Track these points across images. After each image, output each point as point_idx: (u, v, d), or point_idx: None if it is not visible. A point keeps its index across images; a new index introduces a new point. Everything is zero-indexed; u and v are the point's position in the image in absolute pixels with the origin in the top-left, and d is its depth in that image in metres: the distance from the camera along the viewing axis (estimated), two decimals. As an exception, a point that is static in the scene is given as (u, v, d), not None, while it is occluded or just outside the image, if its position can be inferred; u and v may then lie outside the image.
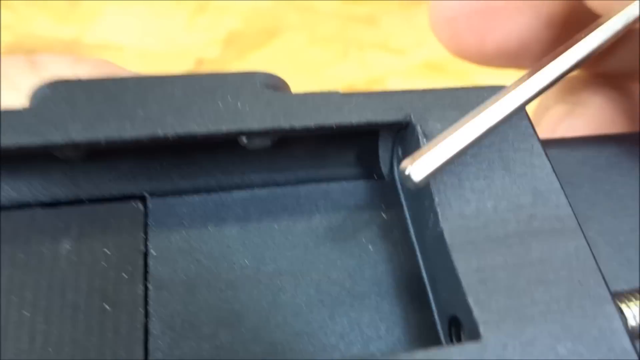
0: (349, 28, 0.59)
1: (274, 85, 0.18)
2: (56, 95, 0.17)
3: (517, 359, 0.15)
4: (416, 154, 0.16)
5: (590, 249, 0.16)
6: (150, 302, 0.17)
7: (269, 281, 0.18)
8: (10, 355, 0.17)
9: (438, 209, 0.16)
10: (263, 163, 0.20)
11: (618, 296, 0.17)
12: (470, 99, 0.18)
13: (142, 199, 0.19)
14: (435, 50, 0.59)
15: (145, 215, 0.19)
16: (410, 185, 0.15)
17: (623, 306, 0.16)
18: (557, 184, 0.17)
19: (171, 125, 0.17)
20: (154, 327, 0.17)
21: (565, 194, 0.17)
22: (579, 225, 0.17)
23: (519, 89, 0.17)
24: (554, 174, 0.18)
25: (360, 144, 0.19)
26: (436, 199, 0.17)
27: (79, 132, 0.16)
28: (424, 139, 0.17)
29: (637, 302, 0.17)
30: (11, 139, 0.16)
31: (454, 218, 0.16)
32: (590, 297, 0.16)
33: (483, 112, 0.16)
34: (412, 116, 0.17)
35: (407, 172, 0.15)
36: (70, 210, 0.19)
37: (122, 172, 0.19)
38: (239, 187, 0.19)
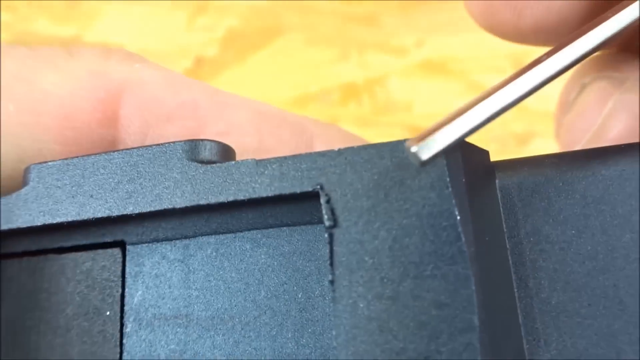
0: (349, 28, 0.59)
1: (198, 152, 0.19)
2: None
3: None
4: (423, 132, 0.16)
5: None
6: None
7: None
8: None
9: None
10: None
11: None
12: (377, 156, 0.18)
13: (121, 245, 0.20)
14: (436, 50, 0.60)
15: (123, 261, 0.20)
16: (417, 163, 0.16)
17: None
18: None
19: (109, 208, 0.19)
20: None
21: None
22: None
23: (536, 68, 0.17)
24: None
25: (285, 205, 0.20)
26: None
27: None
28: (328, 210, 0.17)
29: None
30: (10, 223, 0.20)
31: None
32: None
33: (497, 90, 0.16)
34: (320, 187, 0.18)
35: (412, 151, 0.16)
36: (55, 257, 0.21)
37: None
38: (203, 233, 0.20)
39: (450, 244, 0.16)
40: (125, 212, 0.19)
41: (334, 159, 0.18)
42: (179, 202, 0.19)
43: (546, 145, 0.48)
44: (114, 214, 0.19)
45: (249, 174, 0.18)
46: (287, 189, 0.18)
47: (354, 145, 0.17)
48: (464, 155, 0.17)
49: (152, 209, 0.19)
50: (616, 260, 0.17)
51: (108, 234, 0.20)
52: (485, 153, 0.19)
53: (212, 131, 0.23)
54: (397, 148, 0.17)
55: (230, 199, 0.18)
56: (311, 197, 0.18)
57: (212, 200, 0.18)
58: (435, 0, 0.72)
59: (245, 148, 0.23)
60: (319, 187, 0.18)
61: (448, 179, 0.17)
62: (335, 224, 0.17)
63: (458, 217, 0.16)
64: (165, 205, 0.19)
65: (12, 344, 0.21)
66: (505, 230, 0.18)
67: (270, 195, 0.18)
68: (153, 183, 0.19)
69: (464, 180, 0.17)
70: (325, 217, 0.17)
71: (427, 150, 0.16)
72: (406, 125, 0.48)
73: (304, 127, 0.24)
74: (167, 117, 0.23)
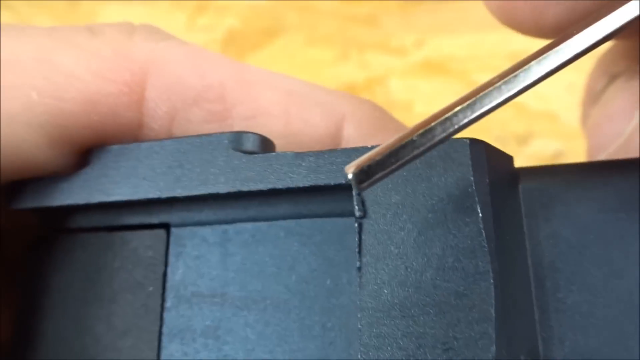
0: (349, 28, 0.59)
1: (242, 143, 0.20)
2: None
3: None
4: (360, 158, 0.16)
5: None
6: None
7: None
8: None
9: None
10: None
11: None
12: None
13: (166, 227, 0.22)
14: (436, 50, 0.60)
15: (168, 242, 0.22)
16: (356, 188, 0.16)
17: None
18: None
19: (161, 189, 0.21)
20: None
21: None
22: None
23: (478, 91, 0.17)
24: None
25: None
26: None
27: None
28: (359, 201, 0.18)
29: None
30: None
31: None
32: None
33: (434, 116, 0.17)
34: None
35: (348, 176, 0.16)
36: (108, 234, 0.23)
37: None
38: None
39: (472, 239, 0.17)
40: (173, 195, 0.20)
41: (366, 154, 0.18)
42: (223, 188, 0.20)
43: (546, 145, 0.48)
44: (163, 196, 0.21)
45: (288, 164, 0.20)
46: (322, 180, 0.19)
47: (384, 126, 0.17)
48: (488, 158, 0.18)
49: (198, 192, 0.20)
50: (631, 267, 0.18)
51: (155, 216, 0.22)
52: (509, 158, 0.20)
53: (239, 115, 0.23)
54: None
55: (270, 186, 0.19)
56: (343, 189, 0.19)
57: (253, 187, 0.20)
58: (435, 0, 0.72)
59: (272, 131, 0.23)
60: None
61: (472, 178, 0.17)
62: (364, 214, 0.18)
63: (480, 215, 0.17)
64: (210, 190, 0.20)
65: (62, 312, 0.23)
66: (525, 231, 0.19)
67: (306, 185, 0.19)
68: (200, 169, 0.20)
69: (487, 180, 0.18)
70: (356, 207, 0.18)
71: (363, 176, 0.16)
72: (406, 124, 0.48)
73: (334, 108, 0.24)
74: (193, 101, 0.23)
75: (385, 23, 0.60)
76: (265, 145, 0.21)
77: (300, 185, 0.19)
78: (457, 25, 0.73)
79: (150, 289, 0.22)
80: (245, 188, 0.20)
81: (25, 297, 0.23)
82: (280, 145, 0.23)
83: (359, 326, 0.18)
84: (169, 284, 0.22)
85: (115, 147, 0.22)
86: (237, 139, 0.21)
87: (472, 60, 0.71)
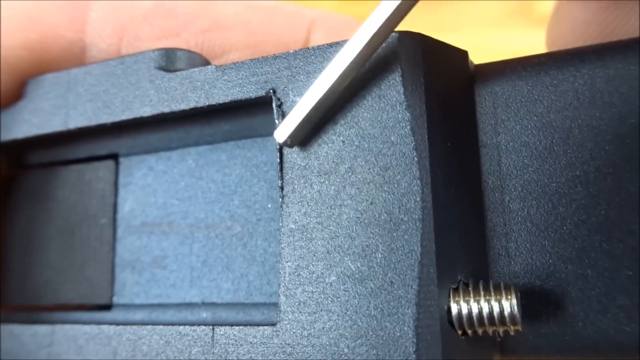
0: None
1: (167, 61, 0.20)
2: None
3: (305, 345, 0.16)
4: (283, 121, 0.17)
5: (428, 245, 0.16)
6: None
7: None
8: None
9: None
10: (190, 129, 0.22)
11: (456, 291, 0.17)
12: (332, 58, 0.18)
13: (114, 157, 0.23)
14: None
15: (117, 171, 0.22)
16: (286, 146, 0.17)
17: (454, 302, 0.16)
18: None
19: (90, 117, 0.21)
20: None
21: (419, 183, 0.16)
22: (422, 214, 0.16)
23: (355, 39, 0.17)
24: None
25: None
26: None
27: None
28: (279, 115, 0.18)
29: (473, 297, 0.16)
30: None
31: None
32: (393, 296, 0.16)
33: (329, 68, 0.17)
34: (272, 91, 0.18)
35: (276, 139, 0.17)
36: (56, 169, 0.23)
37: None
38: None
39: (401, 149, 0.16)
40: (99, 122, 0.21)
41: (289, 62, 0.18)
42: (147, 111, 0.20)
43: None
44: (91, 124, 0.21)
45: (208, 80, 0.19)
46: (243, 94, 0.18)
47: (353, 32, 0.17)
48: (428, 53, 0.17)
49: (124, 118, 0.20)
50: (601, 170, 0.16)
51: (103, 146, 0.23)
52: (462, 54, 0.19)
53: (195, 29, 0.23)
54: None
55: (191, 105, 0.19)
56: (270, 102, 0.18)
57: (175, 107, 0.19)
58: (435, 0, 0.72)
59: (233, 42, 0.23)
60: (271, 91, 0.18)
61: (401, 79, 0.17)
62: (289, 142, 0.17)
63: (410, 119, 0.16)
64: (134, 114, 0.20)
65: (26, 246, 0.24)
66: (480, 136, 0.18)
67: (227, 101, 0.19)
68: (125, 93, 0.20)
69: (422, 81, 0.17)
70: (276, 122, 0.18)
71: (283, 133, 0.17)
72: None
73: (301, 16, 0.24)
74: (143, 18, 0.23)
75: (386, 22, 0.60)
76: (194, 61, 0.21)
77: (221, 101, 0.19)
78: (457, 25, 0.74)
79: (103, 220, 0.22)
80: (167, 109, 0.19)
81: (3, 231, 0.24)
82: (244, 57, 0.23)
83: (280, 240, 0.17)
84: (119, 215, 0.22)
85: (49, 76, 0.22)
86: (161, 57, 0.20)
87: (472, 59, 0.72)
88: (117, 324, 0.21)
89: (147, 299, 0.21)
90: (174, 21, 0.23)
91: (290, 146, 0.17)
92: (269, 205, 0.20)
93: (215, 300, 0.20)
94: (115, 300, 0.22)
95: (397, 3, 0.16)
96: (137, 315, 0.21)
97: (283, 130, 0.17)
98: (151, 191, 0.22)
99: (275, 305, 0.19)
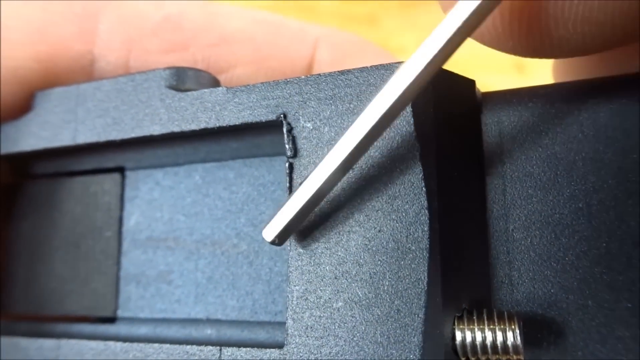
0: (349, 28, 0.60)
1: (177, 80, 0.20)
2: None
3: None
4: (271, 221, 0.17)
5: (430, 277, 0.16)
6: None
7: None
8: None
9: None
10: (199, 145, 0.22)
11: (460, 319, 0.17)
12: (343, 85, 0.18)
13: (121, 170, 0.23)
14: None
15: (123, 185, 0.23)
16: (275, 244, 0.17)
17: (458, 330, 0.17)
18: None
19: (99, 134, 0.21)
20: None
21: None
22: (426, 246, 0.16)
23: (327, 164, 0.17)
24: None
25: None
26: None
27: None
28: (289, 140, 0.18)
29: (476, 326, 0.17)
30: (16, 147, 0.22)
31: None
32: (399, 324, 0.16)
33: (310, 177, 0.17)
34: (283, 115, 0.18)
35: (264, 238, 0.17)
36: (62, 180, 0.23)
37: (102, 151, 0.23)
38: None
39: (411, 178, 0.17)
40: (108, 139, 0.21)
41: (300, 87, 0.18)
42: (156, 130, 0.20)
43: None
44: (100, 140, 0.21)
45: (219, 102, 0.19)
46: (254, 117, 0.19)
47: (361, 50, 0.17)
48: (436, 84, 0.17)
49: (133, 135, 0.20)
50: (603, 204, 0.17)
51: (110, 159, 0.23)
52: (469, 83, 0.19)
53: (202, 43, 0.23)
54: (362, 76, 0.18)
55: (202, 126, 0.19)
56: (279, 126, 0.18)
57: (184, 127, 0.20)
58: (435, 0, 0.72)
59: (239, 57, 0.23)
60: (282, 116, 0.18)
61: (412, 110, 0.17)
62: (295, 154, 0.18)
63: (419, 151, 0.16)
64: (144, 132, 0.20)
65: (32, 257, 0.24)
66: (486, 166, 0.18)
67: (237, 123, 0.19)
68: (135, 110, 0.21)
69: (432, 109, 0.17)
70: (287, 147, 0.18)
71: (271, 232, 0.17)
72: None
73: (306, 33, 0.24)
74: (151, 31, 0.23)
75: (385, 23, 0.61)
76: (204, 80, 0.21)
77: (232, 123, 0.19)
78: (455, 25, 0.74)
79: (108, 234, 0.22)
80: (177, 129, 0.20)
81: (7, 240, 0.25)
82: (250, 72, 0.23)
83: (289, 272, 0.18)
84: (124, 228, 0.22)
85: (58, 89, 0.22)
86: (172, 76, 0.20)
87: (472, 59, 0.72)
88: (121, 338, 0.21)
89: (152, 313, 0.21)
90: (181, 35, 0.23)
91: (279, 245, 0.18)
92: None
93: (220, 317, 0.20)
94: (120, 313, 0.22)
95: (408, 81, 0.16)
96: (141, 329, 0.22)
97: (271, 229, 0.17)
98: (157, 206, 0.22)
99: (280, 324, 0.19)
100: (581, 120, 0.17)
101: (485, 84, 0.19)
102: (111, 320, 0.22)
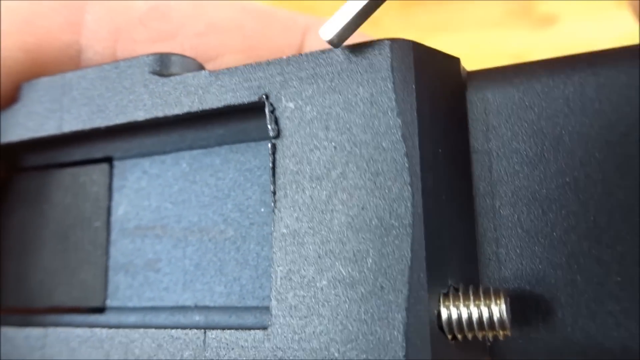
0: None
1: (162, 66, 0.20)
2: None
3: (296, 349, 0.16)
4: (330, 19, 0.17)
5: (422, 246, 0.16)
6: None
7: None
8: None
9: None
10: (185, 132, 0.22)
11: (446, 296, 0.17)
12: (324, 64, 0.18)
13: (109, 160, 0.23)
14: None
15: (111, 174, 0.23)
16: (332, 46, 0.17)
17: (444, 307, 0.16)
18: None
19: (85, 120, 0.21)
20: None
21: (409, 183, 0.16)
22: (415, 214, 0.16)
23: None
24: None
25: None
26: None
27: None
28: (272, 121, 0.18)
29: (463, 302, 0.17)
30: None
31: None
32: (383, 301, 0.16)
33: None
34: (265, 96, 0.18)
35: (322, 37, 0.17)
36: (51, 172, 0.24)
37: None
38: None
39: (393, 156, 0.16)
40: (94, 126, 0.21)
41: (282, 67, 0.18)
42: (140, 115, 0.20)
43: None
44: (86, 128, 0.21)
45: (202, 85, 0.19)
46: (235, 99, 0.19)
47: (352, 38, 0.17)
48: (419, 61, 0.17)
49: (118, 122, 0.21)
50: (590, 177, 0.17)
51: (98, 149, 0.23)
52: (454, 61, 0.19)
53: (189, 32, 0.23)
54: (343, 54, 0.18)
55: (185, 110, 0.19)
56: (263, 107, 0.18)
57: (169, 112, 0.20)
58: (435, 0, 0.73)
59: (227, 46, 0.23)
60: (264, 97, 0.18)
61: (393, 87, 0.17)
62: (278, 134, 0.18)
63: (401, 129, 0.16)
64: (128, 118, 0.20)
65: (20, 249, 0.24)
66: (471, 142, 0.18)
67: (220, 106, 0.19)
68: (120, 97, 0.21)
69: (414, 88, 0.17)
70: (269, 127, 0.18)
71: (330, 30, 0.17)
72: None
73: (295, 22, 0.24)
74: (138, 21, 0.23)
75: (385, 23, 0.61)
76: (188, 66, 0.21)
77: (215, 106, 0.19)
78: (457, 25, 0.74)
79: (97, 224, 0.23)
80: (160, 114, 0.20)
81: None
82: (238, 61, 0.22)
83: (272, 253, 0.18)
84: (113, 218, 0.22)
85: (43, 79, 0.22)
86: (155, 61, 0.20)
87: (472, 59, 0.72)
88: (110, 327, 0.21)
89: (140, 302, 0.21)
90: (169, 24, 0.23)
91: (337, 46, 0.17)
92: (262, 210, 0.20)
93: (208, 303, 0.20)
94: (109, 303, 0.22)
95: None
96: (130, 318, 0.22)
97: (330, 29, 0.17)
98: (145, 195, 0.22)
99: (268, 309, 0.19)
100: (567, 95, 0.17)
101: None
102: (100, 310, 0.22)
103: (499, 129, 0.18)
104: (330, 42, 0.17)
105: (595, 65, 0.17)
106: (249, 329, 0.18)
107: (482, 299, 0.16)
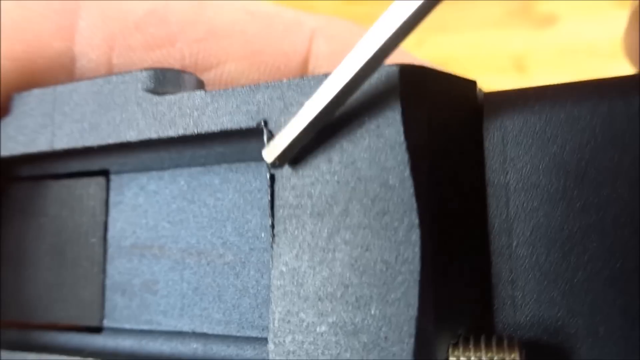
0: (350, 26, 0.58)
1: (156, 82, 0.19)
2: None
3: None
4: (271, 142, 0.16)
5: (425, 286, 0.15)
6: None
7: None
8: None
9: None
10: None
11: (456, 346, 0.15)
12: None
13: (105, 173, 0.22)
14: (436, 49, 0.59)
15: (108, 188, 0.22)
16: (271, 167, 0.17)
17: (452, 357, 0.15)
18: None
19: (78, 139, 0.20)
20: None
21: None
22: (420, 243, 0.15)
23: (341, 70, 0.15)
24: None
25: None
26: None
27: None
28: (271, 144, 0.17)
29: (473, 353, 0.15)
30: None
31: None
32: (387, 353, 0.15)
33: (320, 92, 0.15)
34: (264, 122, 0.17)
35: (265, 159, 0.16)
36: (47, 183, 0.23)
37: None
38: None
39: (401, 192, 0.15)
40: (86, 145, 0.20)
41: (282, 92, 0.17)
42: (133, 136, 0.19)
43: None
44: (77, 146, 0.20)
45: (197, 107, 0.18)
46: (232, 124, 0.18)
47: (359, 39, 0.15)
48: (432, 87, 0.16)
49: (110, 141, 0.20)
50: (618, 219, 0.15)
51: (94, 162, 0.22)
52: (470, 85, 0.17)
53: (189, 38, 0.22)
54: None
55: (179, 133, 0.18)
56: (261, 132, 0.17)
57: (162, 134, 0.19)
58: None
59: (229, 52, 0.22)
60: (263, 123, 0.17)
61: (401, 117, 0.15)
62: (278, 163, 0.17)
63: (409, 168, 0.15)
64: (121, 138, 0.19)
65: (17, 261, 0.23)
66: (487, 176, 0.16)
67: (215, 130, 0.18)
68: (112, 115, 0.20)
69: (426, 116, 0.15)
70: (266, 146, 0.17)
71: (271, 154, 0.16)
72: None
73: (300, 24, 0.22)
74: (134, 26, 0.21)
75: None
76: (185, 82, 0.20)
77: (210, 130, 0.18)
78: (457, 25, 0.73)
79: (93, 240, 0.22)
80: (154, 135, 0.19)
81: None
82: (241, 68, 0.22)
83: (270, 292, 0.16)
84: (110, 234, 0.22)
85: (35, 91, 0.21)
86: (149, 78, 0.19)
87: (472, 59, 0.71)
88: (107, 350, 0.20)
89: (138, 324, 0.21)
90: (167, 30, 0.22)
91: (280, 167, 0.17)
92: (262, 235, 0.19)
93: (206, 330, 0.19)
94: (106, 323, 0.22)
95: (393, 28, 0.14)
96: (126, 341, 0.21)
97: (271, 151, 0.16)
98: (142, 212, 0.21)
99: (266, 341, 0.18)
100: (594, 125, 0.15)
101: (485, 84, 0.18)
102: (98, 330, 0.22)
103: (518, 160, 0.16)
104: (272, 164, 0.16)
105: (627, 92, 0.15)
106: None
107: (494, 350, 0.15)
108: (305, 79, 0.17)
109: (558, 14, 0.74)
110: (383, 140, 0.15)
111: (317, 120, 0.15)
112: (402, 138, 0.15)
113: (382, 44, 0.15)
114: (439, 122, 0.16)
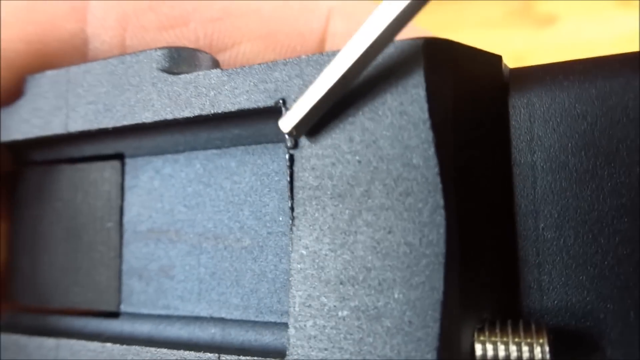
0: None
1: (171, 62, 0.19)
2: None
3: None
4: (287, 112, 0.16)
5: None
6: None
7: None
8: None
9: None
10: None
11: (481, 331, 0.15)
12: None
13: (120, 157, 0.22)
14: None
15: (123, 171, 0.22)
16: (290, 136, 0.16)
17: (478, 342, 0.15)
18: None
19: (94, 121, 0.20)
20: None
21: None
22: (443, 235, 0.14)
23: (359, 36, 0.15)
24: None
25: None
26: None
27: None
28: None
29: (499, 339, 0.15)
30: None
31: None
32: (411, 338, 0.14)
33: (336, 59, 0.15)
34: (282, 101, 0.17)
35: (281, 128, 0.16)
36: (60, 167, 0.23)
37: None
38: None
39: (424, 171, 0.14)
40: (100, 127, 0.20)
41: (301, 69, 0.16)
42: (149, 117, 0.19)
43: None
44: (92, 128, 0.20)
45: (214, 86, 0.18)
46: (249, 103, 0.17)
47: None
48: (455, 64, 0.15)
49: (125, 123, 0.19)
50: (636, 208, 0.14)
51: (109, 145, 0.22)
52: (495, 60, 0.17)
53: (203, 18, 0.21)
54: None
55: (195, 113, 0.18)
56: (279, 112, 0.17)
57: (177, 114, 0.18)
58: (435, 0, 0.71)
59: (245, 32, 0.21)
60: (281, 102, 0.17)
61: (424, 93, 0.14)
62: (296, 144, 0.16)
63: (433, 146, 0.14)
64: (136, 119, 0.19)
65: (33, 245, 0.23)
66: (513, 155, 0.16)
67: (233, 110, 0.17)
68: (127, 96, 0.19)
69: (451, 92, 0.15)
70: (286, 137, 0.17)
71: (288, 123, 0.15)
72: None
73: (317, 2, 0.22)
74: (148, 6, 0.21)
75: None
76: (200, 61, 0.20)
77: (227, 109, 0.17)
78: (457, 25, 0.72)
79: (109, 224, 0.22)
80: (169, 116, 0.18)
81: (12, 228, 0.24)
82: (256, 48, 0.21)
83: (290, 276, 0.16)
84: (125, 219, 0.21)
85: (48, 73, 0.21)
86: (164, 57, 0.19)
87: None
88: (124, 335, 0.20)
89: (155, 309, 0.21)
90: (181, 9, 0.22)
91: (297, 137, 0.16)
92: (280, 218, 0.18)
93: (224, 315, 0.19)
94: (123, 308, 0.21)
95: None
96: (144, 327, 0.21)
97: (288, 120, 0.16)
98: (158, 196, 0.21)
99: (286, 325, 0.17)
100: (627, 101, 0.15)
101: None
102: (115, 314, 0.22)
103: (546, 139, 0.15)
104: (289, 133, 0.16)
105: None
106: (268, 349, 0.17)
107: (521, 335, 0.14)
108: (325, 55, 0.16)
109: (558, 14, 0.74)
110: (406, 117, 0.15)
111: (335, 88, 0.15)
112: (426, 115, 0.14)
113: (401, 10, 0.14)
114: (464, 99, 0.15)
